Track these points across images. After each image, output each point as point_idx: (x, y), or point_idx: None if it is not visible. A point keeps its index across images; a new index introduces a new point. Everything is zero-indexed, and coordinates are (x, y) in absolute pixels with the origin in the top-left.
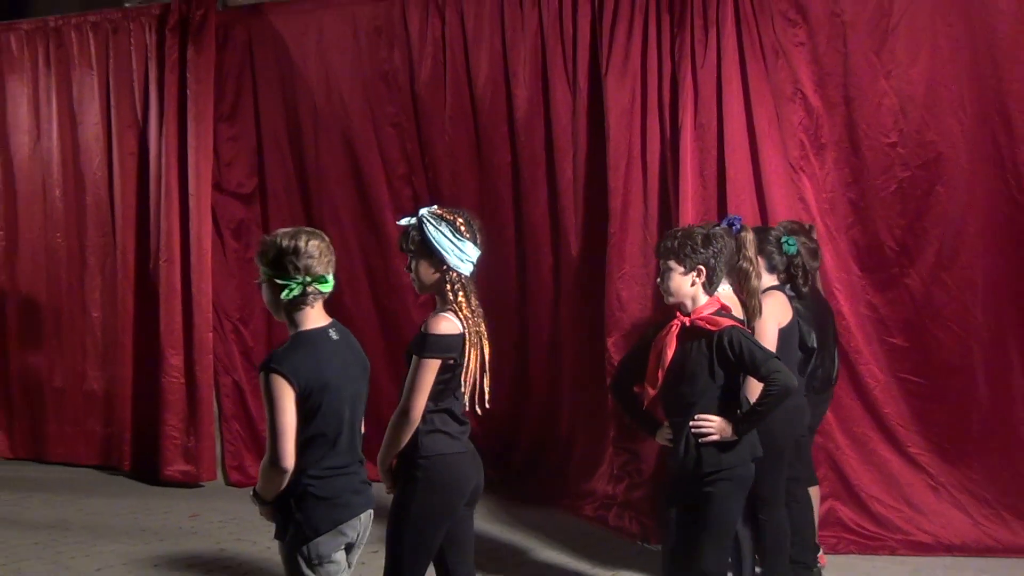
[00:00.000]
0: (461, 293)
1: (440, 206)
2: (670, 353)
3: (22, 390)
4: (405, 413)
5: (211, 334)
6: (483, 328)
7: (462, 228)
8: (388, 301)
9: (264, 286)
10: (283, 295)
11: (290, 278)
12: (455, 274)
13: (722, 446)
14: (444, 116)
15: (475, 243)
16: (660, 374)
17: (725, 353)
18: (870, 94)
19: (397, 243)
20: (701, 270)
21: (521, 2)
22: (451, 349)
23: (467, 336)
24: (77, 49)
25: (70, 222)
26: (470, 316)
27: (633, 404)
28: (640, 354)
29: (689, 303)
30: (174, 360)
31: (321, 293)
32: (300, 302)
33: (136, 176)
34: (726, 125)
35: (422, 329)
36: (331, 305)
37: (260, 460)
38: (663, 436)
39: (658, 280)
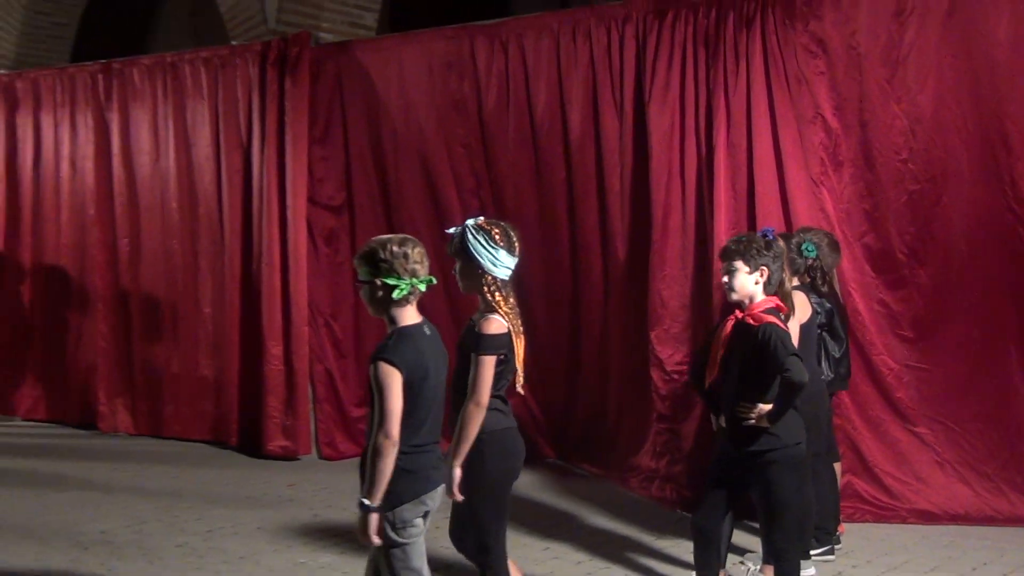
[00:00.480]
0: (498, 294)
1: (485, 218)
2: (724, 344)
3: (144, 376)
4: (478, 404)
5: (306, 328)
6: (519, 324)
7: (497, 237)
8: (457, 299)
9: (366, 287)
10: (395, 295)
11: (400, 279)
12: (490, 277)
13: (765, 430)
14: (507, 138)
15: (510, 251)
16: (717, 363)
17: (760, 346)
18: (883, 117)
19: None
20: (764, 271)
21: (575, 39)
22: (503, 346)
23: (511, 331)
24: (190, 81)
25: (185, 231)
26: (510, 313)
27: (703, 389)
28: (707, 345)
29: (747, 300)
30: (275, 350)
31: (421, 292)
32: (404, 301)
33: (241, 191)
34: (755, 145)
35: (476, 330)
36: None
37: (348, 438)
38: (721, 419)
39: (724, 279)
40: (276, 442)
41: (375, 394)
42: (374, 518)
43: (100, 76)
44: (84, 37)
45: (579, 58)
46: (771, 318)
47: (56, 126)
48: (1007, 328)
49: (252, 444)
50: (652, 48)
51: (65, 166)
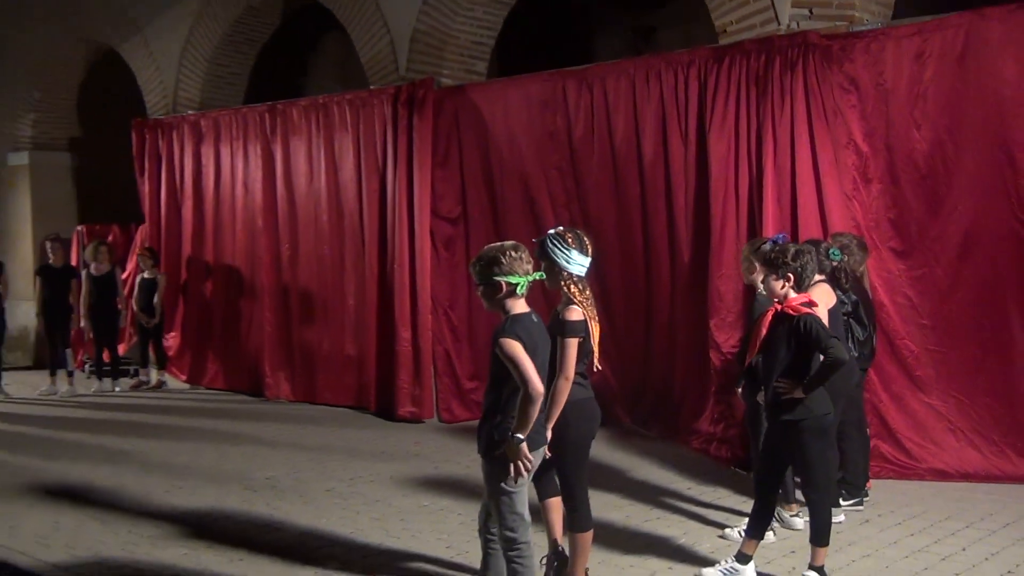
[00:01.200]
0: (574, 287)
1: (563, 227)
2: (763, 331)
3: (300, 354)
4: (567, 378)
5: (430, 316)
6: (594, 311)
7: (570, 241)
8: (552, 295)
9: (487, 288)
10: (518, 290)
11: (519, 277)
12: (567, 274)
13: (799, 402)
14: (592, 162)
15: (582, 252)
16: (756, 346)
17: (800, 333)
18: (906, 142)
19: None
20: (790, 277)
21: (647, 80)
22: (582, 330)
23: (587, 317)
24: (338, 118)
25: (333, 238)
26: (585, 303)
27: (745, 367)
28: (749, 333)
29: (781, 298)
30: (404, 334)
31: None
32: (517, 295)
33: (378, 206)
34: (798, 166)
35: (560, 318)
36: None
37: (462, 405)
38: (761, 395)
39: (760, 281)
40: (405, 408)
41: (509, 366)
42: (524, 445)
43: (267, 115)
44: (254, 84)
45: (651, 95)
46: (807, 310)
47: (232, 155)
48: (1011, 317)
49: (386, 410)
50: (712, 87)
51: (239, 187)
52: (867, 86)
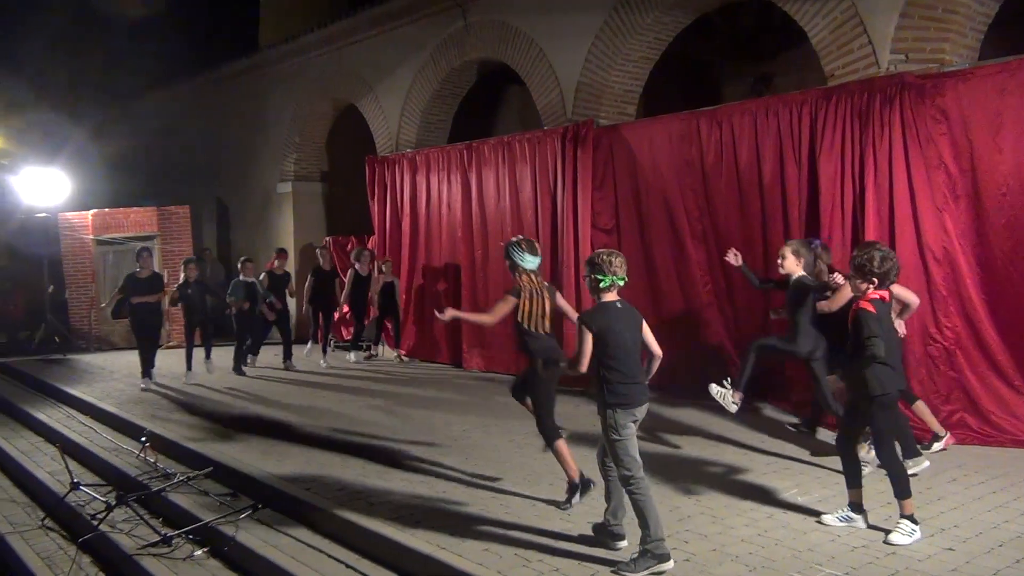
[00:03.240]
0: (524, 276)
1: (520, 237)
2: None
3: (489, 334)
4: (491, 320)
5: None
6: (542, 289)
7: (523, 246)
8: (682, 288)
9: (589, 279)
10: (602, 285)
11: (606, 276)
12: (521, 268)
13: (869, 380)
14: (720, 183)
15: (532, 253)
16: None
17: (854, 323)
18: (988, 164)
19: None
20: (875, 281)
21: (767, 116)
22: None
23: (532, 292)
24: (518, 153)
25: None
26: (529, 285)
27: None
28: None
29: (862, 294)
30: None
31: (619, 285)
32: (607, 289)
33: (550, 220)
34: (895, 185)
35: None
36: (653, 290)
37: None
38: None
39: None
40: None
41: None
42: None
43: (465, 151)
44: (455, 127)
45: (770, 129)
46: (867, 304)
47: (438, 183)
48: None
49: None
50: (821, 120)
51: (444, 207)
52: (955, 116)
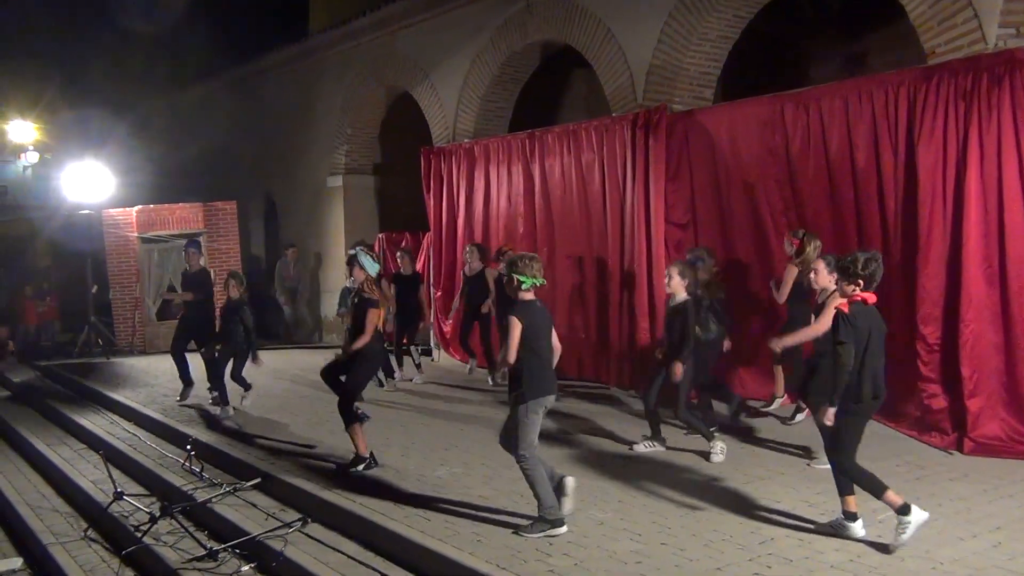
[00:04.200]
0: (371, 283)
1: (362, 246)
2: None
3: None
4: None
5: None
6: (385, 295)
7: (371, 255)
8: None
9: (508, 279)
10: (523, 285)
11: (527, 277)
12: (366, 274)
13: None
14: (808, 173)
15: (375, 261)
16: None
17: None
18: None
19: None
20: (860, 283)
21: (860, 99)
22: (377, 305)
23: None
24: (585, 142)
25: (582, 241)
26: (376, 289)
27: None
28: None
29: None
30: (643, 324)
31: (536, 286)
32: (527, 289)
33: (619, 214)
34: (1004, 174)
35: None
36: (733, 291)
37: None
38: None
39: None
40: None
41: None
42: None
43: (527, 141)
44: (516, 115)
45: (863, 113)
46: (846, 307)
47: (498, 175)
48: None
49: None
50: (920, 103)
51: (503, 201)
52: None
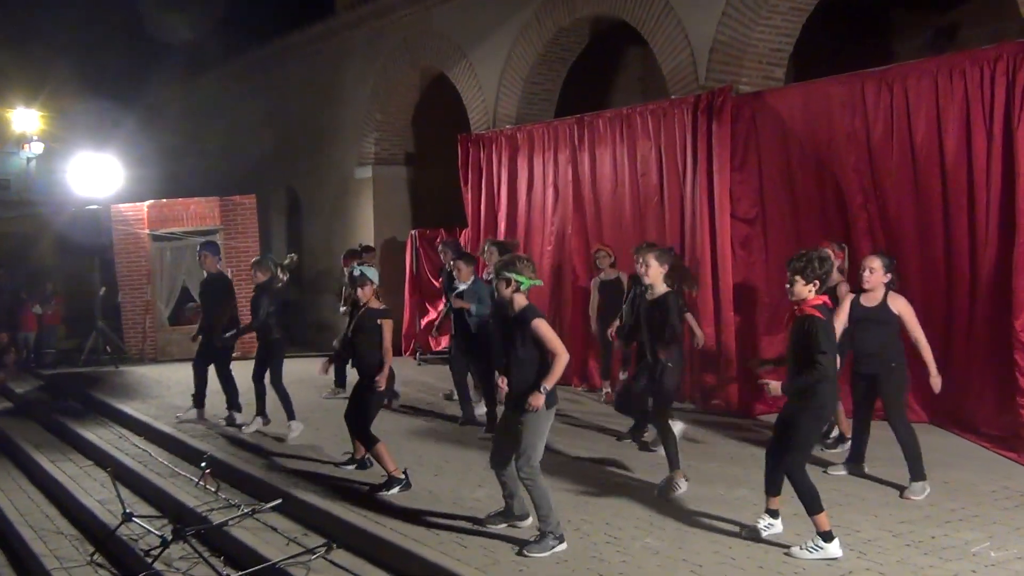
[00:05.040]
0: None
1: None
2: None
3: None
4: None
5: (732, 313)
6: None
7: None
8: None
9: (503, 281)
10: (522, 287)
11: (526, 279)
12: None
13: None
14: (891, 162)
15: (376, 269)
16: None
17: (802, 331)
18: None
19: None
20: (816, 283)
21: (951, 78)
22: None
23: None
24: (640, 127)
25: (636, 237)
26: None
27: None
28: None
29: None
30: (708, 331)
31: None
32: (526, 291)
33: (679, 208)
34: None
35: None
36: None
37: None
38: None
39: (787, 286)
40: (712, 400)
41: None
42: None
43: (575, 126)
44: (563, 98)
45: (954, 93)
46: (814, 311)
47: (544, 164)
48: None
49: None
50: (1021, 81)
51: (549, 193)
52: None
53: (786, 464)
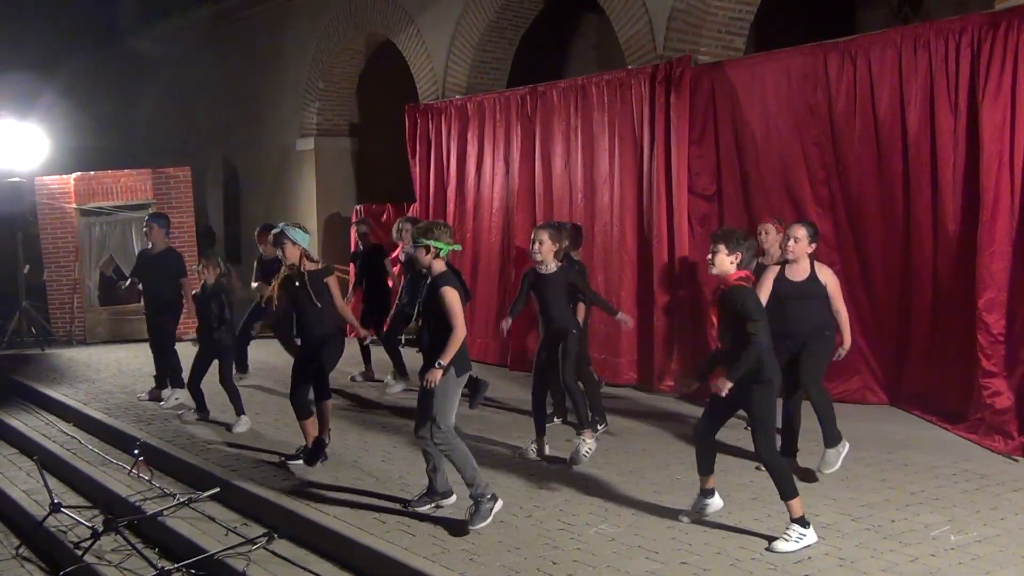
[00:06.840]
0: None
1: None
2: (714, 306)
3: None
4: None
5: (685, 291)
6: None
7: (299, 229)
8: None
9: (422, 248)
10: (441, 253)
11: (444, 244)
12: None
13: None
14: (853, 136)
15: (305, 232)
16: (715, 319)
17: (731, 303)
18: None
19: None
20: (739, 255)
21: (915, 50)
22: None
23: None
24: (595, 99)
25: (590, 212)
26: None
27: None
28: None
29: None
30: (661, 300)
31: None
32: (444, 256)
33: (634, 183)
34: None
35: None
36: None
37: None
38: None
39: (708, 258)
40: (665, 383)
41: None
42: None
43: (527, 97)
44: (516, 68)
45: (918, 66)
46: (738, 282)
47: (494, 137)
48: None
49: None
50: (986, 54)
51: (499, 166)
52: None
53: (757, 451)
